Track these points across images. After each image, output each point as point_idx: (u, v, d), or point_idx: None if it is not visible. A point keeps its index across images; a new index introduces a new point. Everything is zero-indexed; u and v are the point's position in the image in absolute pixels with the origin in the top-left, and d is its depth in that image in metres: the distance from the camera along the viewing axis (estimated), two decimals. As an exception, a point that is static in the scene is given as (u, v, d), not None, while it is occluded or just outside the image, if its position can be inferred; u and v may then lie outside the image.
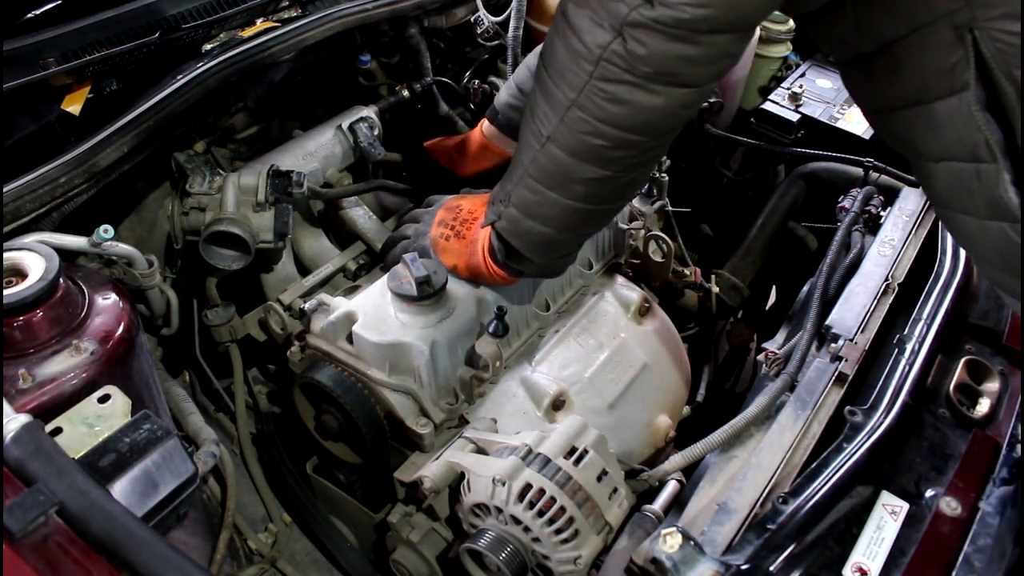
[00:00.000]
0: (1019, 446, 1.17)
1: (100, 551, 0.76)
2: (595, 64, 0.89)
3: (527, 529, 1.08)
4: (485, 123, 1.55)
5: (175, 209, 1.56)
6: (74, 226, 1.31)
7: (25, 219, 1.20)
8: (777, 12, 1.02)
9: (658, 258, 1.68)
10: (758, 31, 2.08)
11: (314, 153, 1.68)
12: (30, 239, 1.18)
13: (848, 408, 1.21)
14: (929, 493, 1.10)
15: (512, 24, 1.77)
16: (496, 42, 1.96)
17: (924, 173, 0.99)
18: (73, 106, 1.33)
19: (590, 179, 1.01)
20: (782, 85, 2.11)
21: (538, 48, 1.42)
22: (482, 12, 1.89)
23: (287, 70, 1.65)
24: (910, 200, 1.70)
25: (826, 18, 0.97)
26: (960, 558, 1.02)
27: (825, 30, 0.99)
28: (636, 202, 1.66)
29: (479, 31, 1.90)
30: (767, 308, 2.24)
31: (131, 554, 0.75)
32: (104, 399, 0.98)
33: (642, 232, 1.65)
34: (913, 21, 0.88)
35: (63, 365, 1.02)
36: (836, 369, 1.30)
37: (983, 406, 1.24)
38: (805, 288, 1.54)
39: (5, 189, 1.17)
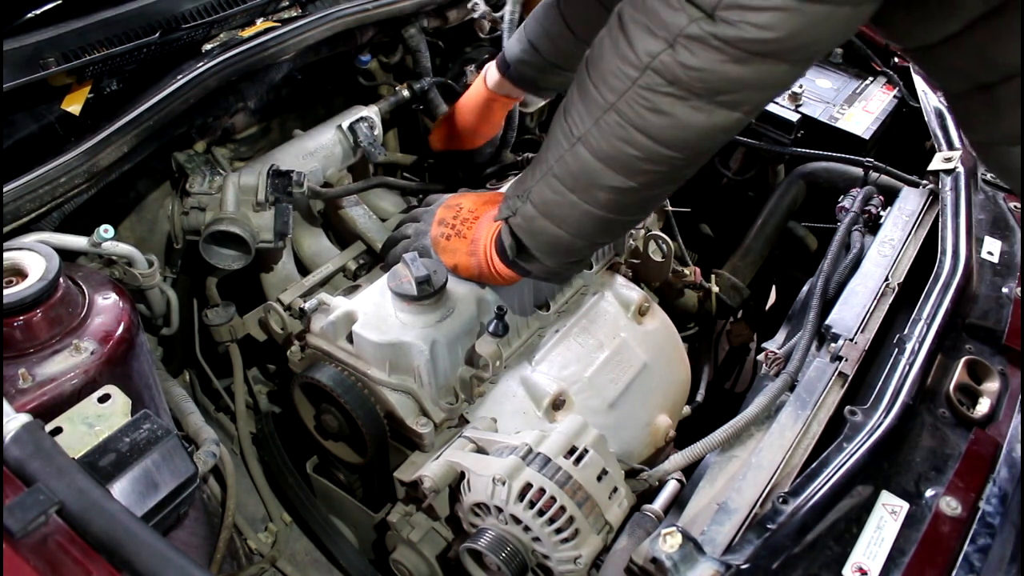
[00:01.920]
0: (1019, 446, 1.17)
1: (100, 551, 0.76)
2: (641, 71, 0.88)
3: (527, 528, 1.08)
4: (490, 74, 1.52)
5: (175, 209, 1.56)
6: (74, 226, 1.31)
7: (25, 219, 1.20)
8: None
9: (658, 258, 1.68)
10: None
11: (314, 153, 1.68)
12: (30, 239, 1.18)
13: (848, 408, 1.21)
14: (929, 493, 1.10)
15: (508, 8, 1.76)
16: (497, 33, 1.96)
17: None
18: (73, 106, 1.33)
19: (614, 188, 0.99)
20: (782, 85, 2.11)
21: (547, 0, 1.38)
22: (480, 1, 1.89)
23: (287, 70, 1.65)
24: (910, 200, 1.70)
25: (943, 50, 0.93)
26: (960, 558, 1.02)
27: (941, 62, 0.96)
28: (636, 202, 1.65)
29: (476, 16, 1.89)
30: (767, 308, 2.24)
31: (131, 554, 0.75)
32: (104, 399, 0.98)
33: (642, 232, 1.65)
34: None
35: (63, 365, 1.02)
36: (836, 369, 1.30)
37: (983, 406, 1.24)
38: (805, 288, 1.54)
39: (5, 189, 1.17)
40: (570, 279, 1.27)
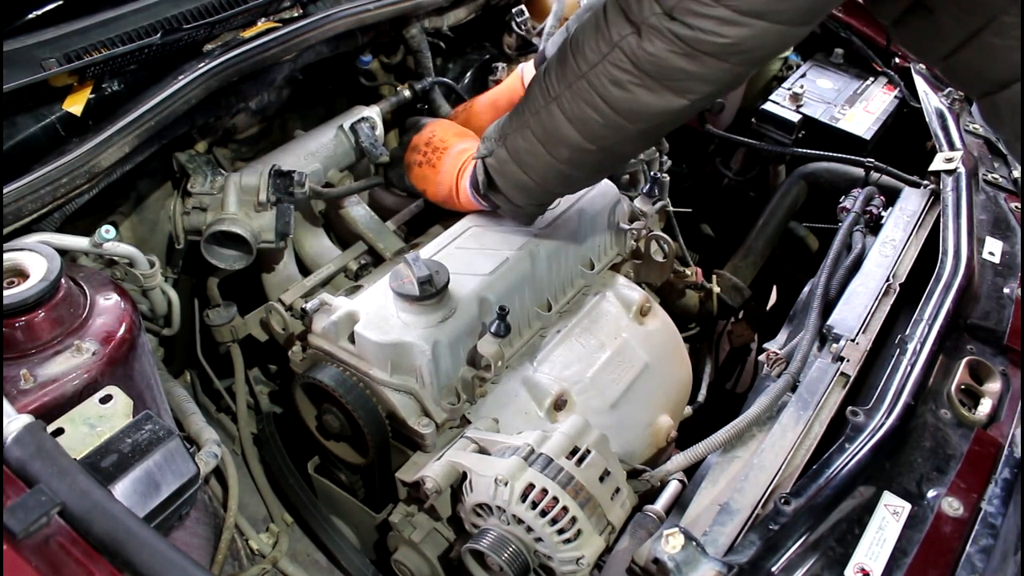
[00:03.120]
0: (1020, 446, 1.17)
1: (102, 552, 0.76)
2: (611, 48, 1.02)
3: (529, 529, 1.08)
4: (528, 72, 1.60)
5: (176, 209, 1.56)
6: (76, 226, 1.30)
7: (26, 219, 1.20)
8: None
9: (659, 258, 1.68)
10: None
11: (315, 153, 1.67)
12: (31, 239, 1.18)
13: (850, 408, 1.21)
14: (931, 493, 1.10)
15: (549, 23, 1.80)
16: (528, 50, 1.99)
17: None
18: (75, 106, 1.33)
19: (575, 147, 1.14)
20: (783, 85, 2.11)
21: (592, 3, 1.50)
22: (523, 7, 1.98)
23: (288, 70, 1.64)
24: (911, 200, 1.70)
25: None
26: (962, 558, 1.02)
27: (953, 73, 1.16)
28: (638, 202, 1.66)
29: (519, 21, 1.95)
30: (768, 308, 2.24)
31: (133, 555, 0.75)
32: (106, 399, 0.98)
33: (643, 232, 1.65)
34: None
35: (65, 366, 1.02)
36: (838, 369, 1.30)
37: (985, 406, 1.24)
38: (806, 288, 1.54)
39: (6, 189, 1.16)
40: (532, 221, 1.39)
